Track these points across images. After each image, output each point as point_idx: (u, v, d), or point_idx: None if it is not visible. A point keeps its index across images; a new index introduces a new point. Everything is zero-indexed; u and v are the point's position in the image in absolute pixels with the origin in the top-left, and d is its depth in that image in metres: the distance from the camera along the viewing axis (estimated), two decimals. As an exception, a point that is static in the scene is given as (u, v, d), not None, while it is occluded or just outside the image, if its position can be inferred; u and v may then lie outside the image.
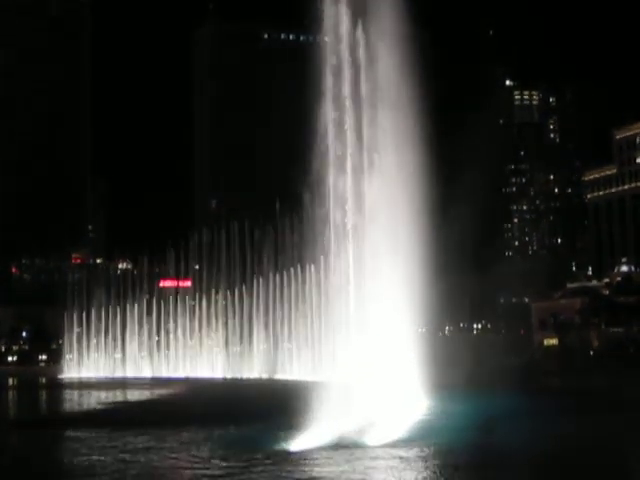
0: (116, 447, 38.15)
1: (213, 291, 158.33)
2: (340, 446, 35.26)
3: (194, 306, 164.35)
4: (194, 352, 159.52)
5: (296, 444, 35.40)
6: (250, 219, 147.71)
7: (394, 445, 35.67)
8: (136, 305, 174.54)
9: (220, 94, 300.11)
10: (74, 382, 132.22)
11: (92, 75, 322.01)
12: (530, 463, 32.27)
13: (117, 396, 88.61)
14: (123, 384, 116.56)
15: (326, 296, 43.99)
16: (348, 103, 44.81)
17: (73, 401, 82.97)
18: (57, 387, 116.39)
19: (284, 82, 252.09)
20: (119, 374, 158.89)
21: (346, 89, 44.88)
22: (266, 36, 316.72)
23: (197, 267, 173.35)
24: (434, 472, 29.99)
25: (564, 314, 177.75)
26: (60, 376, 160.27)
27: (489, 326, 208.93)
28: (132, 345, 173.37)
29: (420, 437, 37.48)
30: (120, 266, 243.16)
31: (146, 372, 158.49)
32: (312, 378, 41.10)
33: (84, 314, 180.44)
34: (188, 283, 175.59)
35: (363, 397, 40.42)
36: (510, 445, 35.71)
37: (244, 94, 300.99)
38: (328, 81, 44.75)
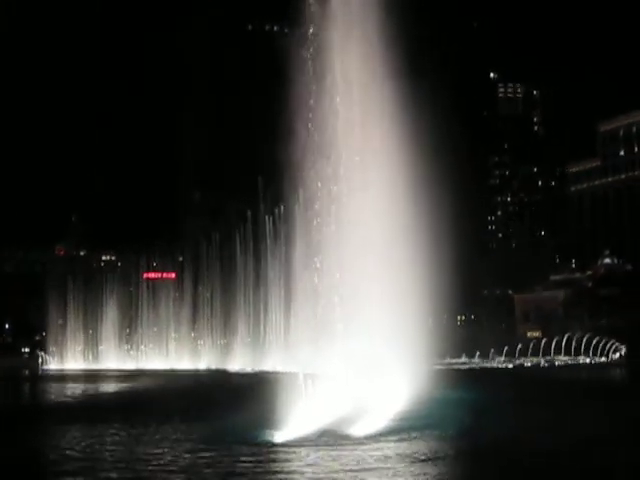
0: (89, 440, 37.50)
1: (197, 283, 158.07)
2: (325, 438, 34.91)
3: (178, 298, 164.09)
4: (178, 344, 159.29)
5: (281, 436, 35.01)
6: (235, 211, 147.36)
7: (381, 436, 35.33)
8: (120, 297, 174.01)
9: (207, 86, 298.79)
10: (56, 374, 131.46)
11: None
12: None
13: (97, 388, 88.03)
14: (105, 376, 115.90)
15: (313, 293, 43.32)
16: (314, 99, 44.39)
17: (52, 393, 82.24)
18: (38, 379, 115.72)
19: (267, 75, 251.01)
20: (102, 366, 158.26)
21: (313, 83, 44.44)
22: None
23: (181, 259, 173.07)
24: (424, 463, 29.61)
25: (547, 306, 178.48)
26: (43, 368, 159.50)
27: (473, 317, 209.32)
28: (116, 337, 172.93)
29: (409, 427, 37.21)
30: (104, 258, 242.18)
31: (130, 364, 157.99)
32: (298, 370, 40.62)
33: (67, 306, 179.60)
34: (172, 275, 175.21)
35: (349, 388, 40.18)
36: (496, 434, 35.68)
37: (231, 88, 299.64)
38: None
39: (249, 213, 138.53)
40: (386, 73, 45.45)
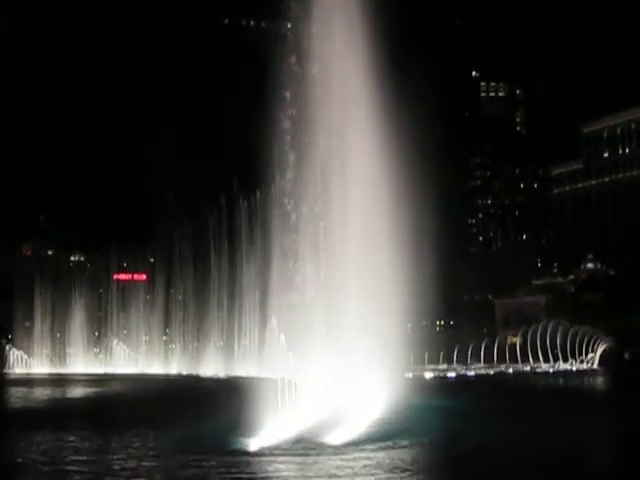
0: (53, 448, 37.21)
1: (169, 285, 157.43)
2: (301, 445, 34.81)
3: (149, 300, 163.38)
4: (149, 348, 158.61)
5: (255, 443, 34.87)
6: (209, 210, 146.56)
7: (359, 444, 35.27)
8: (89, 299, 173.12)
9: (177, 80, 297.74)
10: (23, 378, 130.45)
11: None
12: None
13: (64, 393, 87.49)
14: (73, 381, 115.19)
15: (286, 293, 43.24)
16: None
17: (18, 398, 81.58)
18: (4, 383, 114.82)
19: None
20: (71, 370, 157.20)
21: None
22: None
23: (152, 260, 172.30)
24: (400, 472, 29.58)
25: (529, 311, 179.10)
26: (7, 372, 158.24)
27: (452, 323, 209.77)
28: (85, 340, 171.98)
29: (387, 435, 37.19)
30: (72, 258, 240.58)
31: (99, 368, 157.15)
32: (272, 375, 40.51)
33: (34, 308, 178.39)
34: (143, 277, 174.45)
35: (327, 395, 40.14)
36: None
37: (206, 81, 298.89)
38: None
39: (223, 201, 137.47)
40: (366, 70, 45.51)
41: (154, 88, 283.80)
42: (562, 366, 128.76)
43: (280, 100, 45.29)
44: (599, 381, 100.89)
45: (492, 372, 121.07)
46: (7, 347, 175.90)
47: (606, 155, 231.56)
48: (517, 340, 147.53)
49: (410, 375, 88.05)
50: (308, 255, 43.88)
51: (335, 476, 28.83)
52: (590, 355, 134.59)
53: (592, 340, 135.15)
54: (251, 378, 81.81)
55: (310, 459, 32.15)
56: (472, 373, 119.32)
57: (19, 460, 33.92)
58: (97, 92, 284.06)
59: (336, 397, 40.48)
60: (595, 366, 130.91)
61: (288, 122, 44.99)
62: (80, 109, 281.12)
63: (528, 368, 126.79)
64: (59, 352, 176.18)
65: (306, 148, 44.63)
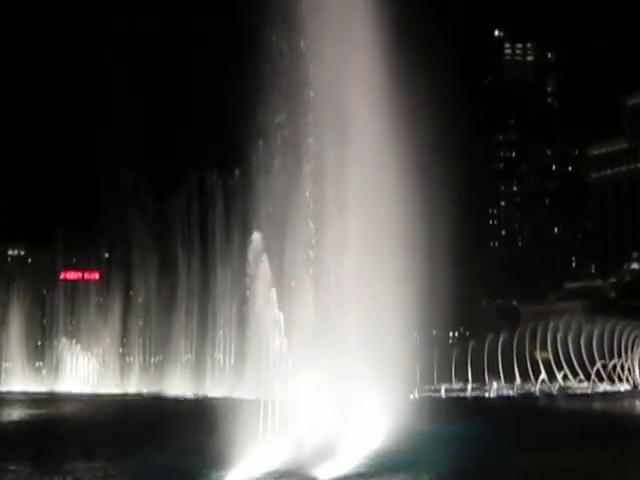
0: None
1: (127, 285, 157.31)
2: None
3: (103, 303, 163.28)
4: (103, 361, 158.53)
5: (230, 478, 35.13)
6: (172, 195, 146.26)
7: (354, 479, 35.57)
8: (30, 301, 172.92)
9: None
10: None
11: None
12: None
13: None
14: (11, 401, 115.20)
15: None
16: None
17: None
18: None
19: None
20: (8, 388, 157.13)
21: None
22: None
23: (107, 255, 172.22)
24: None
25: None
26: None
27: (467, 333, 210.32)
28: (25, 352, 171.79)
29: (386, 469, 37.43)
30: (10, 253, 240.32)
31: (42, 386, 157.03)
32: (254, 396, 40.74)
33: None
34: (96, 275, 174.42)
35: (317, 420, 40.36)
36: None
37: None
38: None
39: (194, 182, 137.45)
40: (375, 28, 45.87)
41: (103, 39, 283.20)
42: (605, 387, 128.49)
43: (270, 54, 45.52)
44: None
45: (514, 392, 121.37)
46: None
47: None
48: (546, 354, 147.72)
49: (416, 395, 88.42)
50: (298, 253, 44.14)
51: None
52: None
53: None
54: (226, 399, 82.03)
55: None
56: (492, 394, 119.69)
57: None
58: (42, 64, 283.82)
59: (328, 422, 40.71)
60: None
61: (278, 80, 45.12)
62: (21, 81, 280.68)
63: (557, 387, 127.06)
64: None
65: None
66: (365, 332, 43.32)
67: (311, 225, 44.57)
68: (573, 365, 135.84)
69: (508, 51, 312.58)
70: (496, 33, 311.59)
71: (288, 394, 41.55)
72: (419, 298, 47.00)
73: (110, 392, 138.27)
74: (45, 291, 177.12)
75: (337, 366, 42.32)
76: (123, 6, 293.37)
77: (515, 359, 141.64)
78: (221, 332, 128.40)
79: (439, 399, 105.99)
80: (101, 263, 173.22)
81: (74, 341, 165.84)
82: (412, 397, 76.52)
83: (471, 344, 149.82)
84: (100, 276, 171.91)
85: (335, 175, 44.94)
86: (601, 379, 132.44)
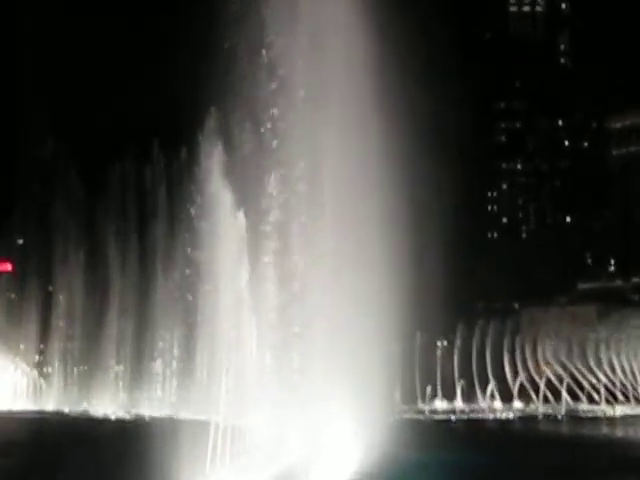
0: None
1: (45, 278, 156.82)
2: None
3: (16, 300, 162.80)
4: (15, 371, 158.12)
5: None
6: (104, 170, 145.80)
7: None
8: None
9: None
10: None
11: None
12: None
13: None
14: None
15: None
16: None
17: None
18: None
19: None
20: None
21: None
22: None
23: (21, 242, 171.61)
24: None
25: (572, 327, 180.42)
26: None
27: (459, 341, 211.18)
28: None
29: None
30: None
31: None
32: (200, 416, 41.00)
33: None
34: (8, 266, 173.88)
35: (282, 444, 40.64)
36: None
37: None
38: None
39: (129, 156, 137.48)
40: None
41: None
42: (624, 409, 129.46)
43: None
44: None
45: (513, 415, 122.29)
46: None
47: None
48: (551, 369, 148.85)
49: (396, 416, 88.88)
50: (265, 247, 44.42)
51: None
52: None
53: None
54: (168, 419, 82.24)
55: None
56: (489, 415, 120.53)
57: None
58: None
59: (295, 446, 40.96)
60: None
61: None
62: None
63: (564, 409, 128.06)
64: None
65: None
66: (337, 341, 43.59)
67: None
68: (581, 383, 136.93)
69: (513, 1, 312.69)
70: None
71: (244, 414, 41.77)
72: (401, 298, 47.27)
73: (22, 409, 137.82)
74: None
75: (302, 382, 42.53)
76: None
77: (514, 374, 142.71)
78: (162, 337, 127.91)
79: (422, 420, 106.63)
80: (14, 252, 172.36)
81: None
82: (390, 418, 76.86)
83: (462, 354, 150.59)
84: (13, 267, 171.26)
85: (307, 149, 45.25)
86: (616, 399, 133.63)
